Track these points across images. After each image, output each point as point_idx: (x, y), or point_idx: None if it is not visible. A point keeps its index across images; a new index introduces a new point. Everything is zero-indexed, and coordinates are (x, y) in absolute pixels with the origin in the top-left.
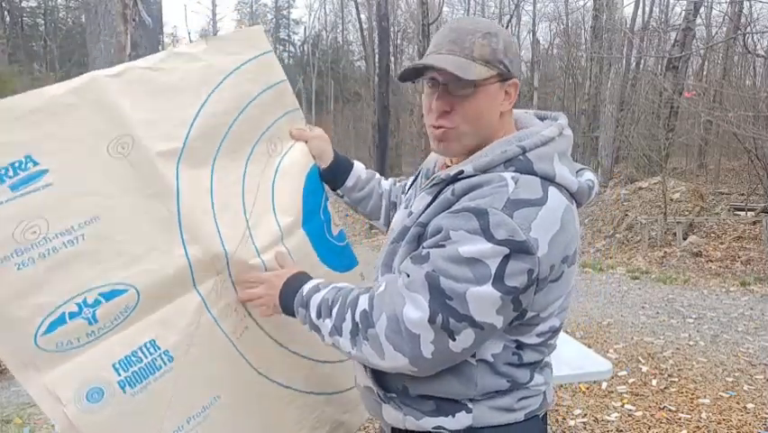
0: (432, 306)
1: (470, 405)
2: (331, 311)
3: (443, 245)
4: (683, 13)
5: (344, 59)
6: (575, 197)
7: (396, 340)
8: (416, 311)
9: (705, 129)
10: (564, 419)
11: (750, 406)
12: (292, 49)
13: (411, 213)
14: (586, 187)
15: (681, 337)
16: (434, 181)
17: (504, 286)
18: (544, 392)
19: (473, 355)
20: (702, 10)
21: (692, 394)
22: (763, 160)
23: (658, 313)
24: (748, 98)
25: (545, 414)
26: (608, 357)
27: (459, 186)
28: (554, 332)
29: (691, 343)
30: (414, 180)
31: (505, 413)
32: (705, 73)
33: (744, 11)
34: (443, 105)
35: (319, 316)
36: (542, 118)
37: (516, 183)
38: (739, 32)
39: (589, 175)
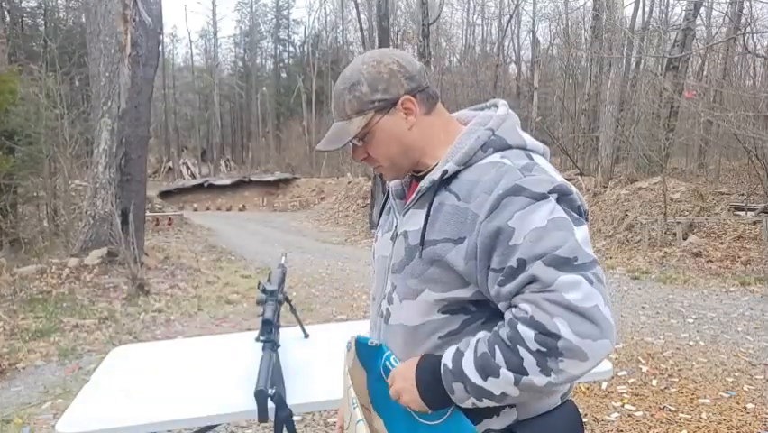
0: (578, 273)
1: None
2: (495, 361)
3: (516, 244)
4: (683, 13)
5: (344, 60)
6: (544, 156)
7: (586, 329)
8: (574, 290)
9: (705, 129)
10: None
11: (750, 406)
12: (292, 49)
13: (406, 233)
14: (543, 148)
15: (681, 337)
16: (419, 194)
17: (579, 221)
18: None
19: None
20: (702, 10)
21: (692, 394)
22: (763, 160)
23: (658, 313)
24: (748, 98)
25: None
26: (609, 357)
27: (458, 190)
28: None
29: (691, 343)
30: (383, 205)
31: (544, 399)
32: (705, 73)
33: (744, 11)
34: (360, 156)
35: (485, 377)
36: (478, 110)
37: (508, 159)
38: (739, 32)
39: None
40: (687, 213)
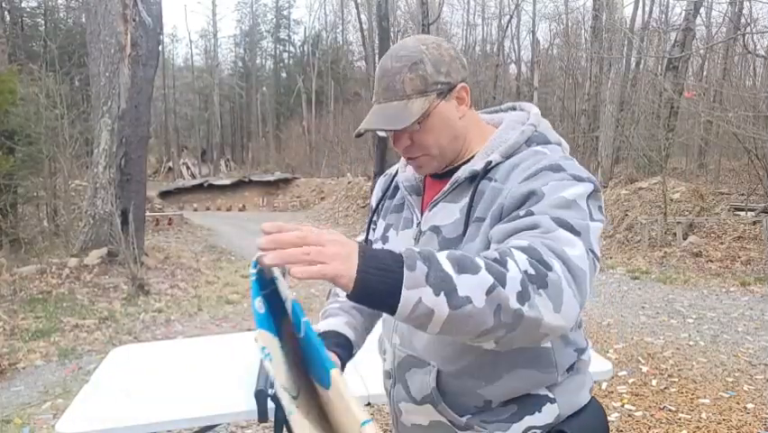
0: (580, 239)
1: (551, 394)
2: (475, 262)
3: (540, 201)
4: (683, 13)
5: (344, 59)
6: None
7: (573, 283)
8: (573, 248)
9: (705, 129)
10: None
11: (750, 406)
12: (292, 49)
13: (437, 228)
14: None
15: (681, 337)
16: (455, 185)
17: (598, 220)
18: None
19: None
20: (702, 10)
21: (692, 394)
22: (763, 160)
23: (658, 313)
24: (748, 98)
25: None
26: (608, 357)
27: (499, 173)
28: None
29: (691, 343)
30: (380, 202)
31: (580, 392)
32: (705, 73)
33: (744, 11)
34: (404, 143)
35: (459, 270)
36: (497, 112)
37: (549, 150)
38: (739, 32)
39: None
40: (687, 213)
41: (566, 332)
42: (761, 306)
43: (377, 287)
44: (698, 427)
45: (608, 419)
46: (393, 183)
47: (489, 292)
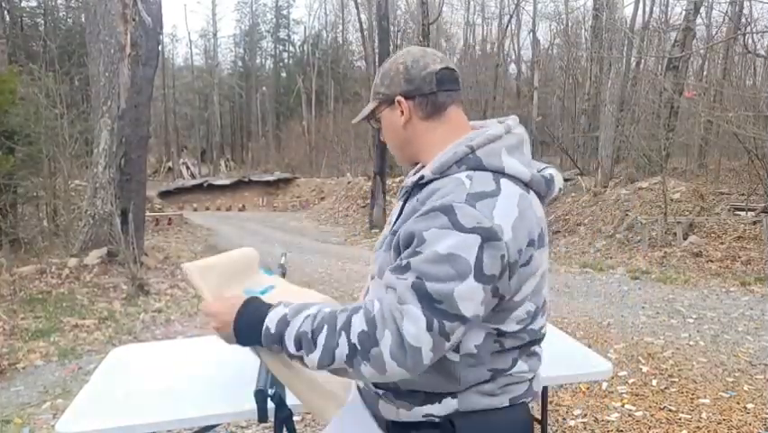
0: (425, 314)
1: (455, 391)
2: (316, 342)
3: (419, 252)
4: (683, 13)
5: (344, 59)
6: (531, 186)
7: (399, 356)
8: (413, 325)
9: (705, 129)
10: (564, 418)
11: (750, 406)
12: (292, 49)
13: (390, 222)
14: (541, 178)
15: (681, 337)
16: (403, 190)
17: (484, 276)
18: (530, 381)
19: (456, 350)
20: (702, 10)
21: (692, 394)
22: (763, 160)
23: (658, 313)
24: (748, 98)
25: (527, 406)
26: (608, 357)
27: (422, 193)
28: (532, 317)
29: (691, 343)
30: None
31: (488, 398)
32: (705, 73)
33: (744, 11)
34: (382, 136)
35: (298, 348)
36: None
37: (471, 180)
38: (739, 32)
39: (550, 170)
40: (687, 213)
41: (406, 378)
42: (761, 306)
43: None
44: (698, 427)
45: (609, 418)
46: None
47: (320, 365)
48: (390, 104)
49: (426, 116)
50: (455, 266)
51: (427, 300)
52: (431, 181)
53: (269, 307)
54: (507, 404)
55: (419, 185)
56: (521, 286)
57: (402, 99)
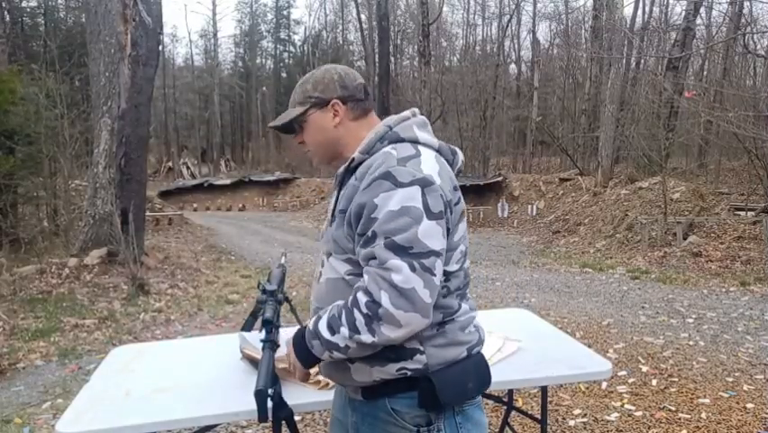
0: (405, 261)
1: (421, 348)
2: (340, 321)
3: (375, 217)
4: (683, 13)
5: (344, 60)
6: (441, 153)
7: (401, 303)
8: (399, 273)
9: (705, 129)
10: (564, 418)
11: (750, 406)
12: (292, 49)
13: (329, 210)
14: (447, 147)
15: (680, 337)
16: (337, 180)
17: (433, 214)
18: (477, 328)
19: None
20: (702, 10)
21: (692, 394)
22: (763, 160)
23: (658, 313)
24: (748, 98)
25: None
26: (608, 357)
27: (357, 173)
28: (464, 255)
29: (691, 343)
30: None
31: (451, 348)
32: (705, 73)
33: (744, 11)
34: (298, 139)
35: (332, 333)
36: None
37: (395, 150)
38: (739, 32)
39: (455, 148)
40: (687, 213)
41: (424, 324)
42: (761, 306)
43: (308, 360)
44: (698, 427)
45: (608, 418)
46: None
47: (351, 338)
48: (323, 106)
49: (355, 118)
50: (410, 214)
51: (401, 251)
52: (361, 163)
53: (303, 329)
54: (467, 354)
55: (350, 169)
56: (457, 225)
57: (338, 102)
